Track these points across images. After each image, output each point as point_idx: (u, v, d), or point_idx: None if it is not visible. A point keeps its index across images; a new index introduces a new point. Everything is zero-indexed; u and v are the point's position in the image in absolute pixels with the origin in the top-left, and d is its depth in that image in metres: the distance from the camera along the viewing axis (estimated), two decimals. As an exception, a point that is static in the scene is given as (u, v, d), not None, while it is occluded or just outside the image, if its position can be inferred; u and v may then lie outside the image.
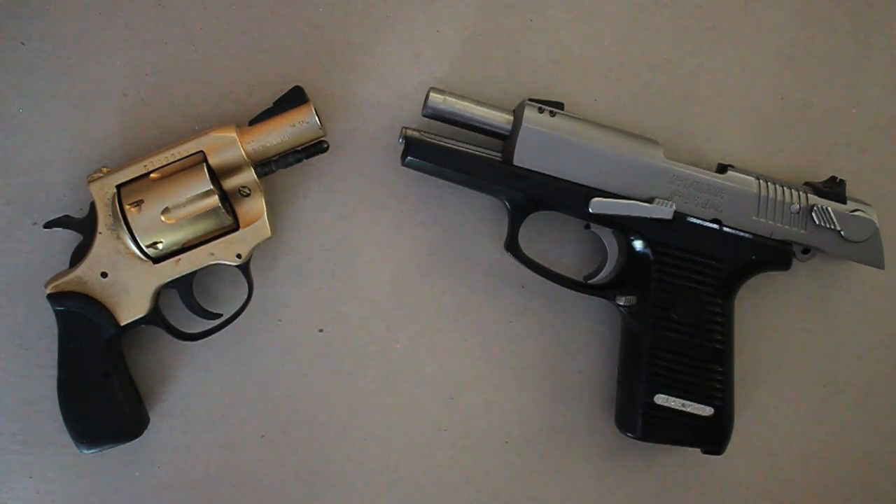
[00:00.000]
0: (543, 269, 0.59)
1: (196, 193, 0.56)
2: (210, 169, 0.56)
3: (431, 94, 0.56)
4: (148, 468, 0.64)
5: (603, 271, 0.60)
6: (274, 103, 0.58)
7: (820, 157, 0.66)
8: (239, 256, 0.58)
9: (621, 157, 0.55)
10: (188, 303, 0.60)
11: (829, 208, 0.56)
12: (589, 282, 0.59)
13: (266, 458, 0.64)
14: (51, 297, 0.57)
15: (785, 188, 0.56)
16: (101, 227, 0.57)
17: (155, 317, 0.59)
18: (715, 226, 0.56)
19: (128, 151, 0.61)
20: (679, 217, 0.56)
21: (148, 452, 0.64)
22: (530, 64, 0.64)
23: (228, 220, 0.57)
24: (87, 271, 0.57)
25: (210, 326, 0.61)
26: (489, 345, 0.65)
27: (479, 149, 0.57)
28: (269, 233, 0.59)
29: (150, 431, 0.62)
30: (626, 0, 0.65)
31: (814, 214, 0.56)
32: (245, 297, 0.61)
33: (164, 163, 0.57)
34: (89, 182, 0.57)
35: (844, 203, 0.57)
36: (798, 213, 0.56)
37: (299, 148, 0.58)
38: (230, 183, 0.57)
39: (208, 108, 0.62)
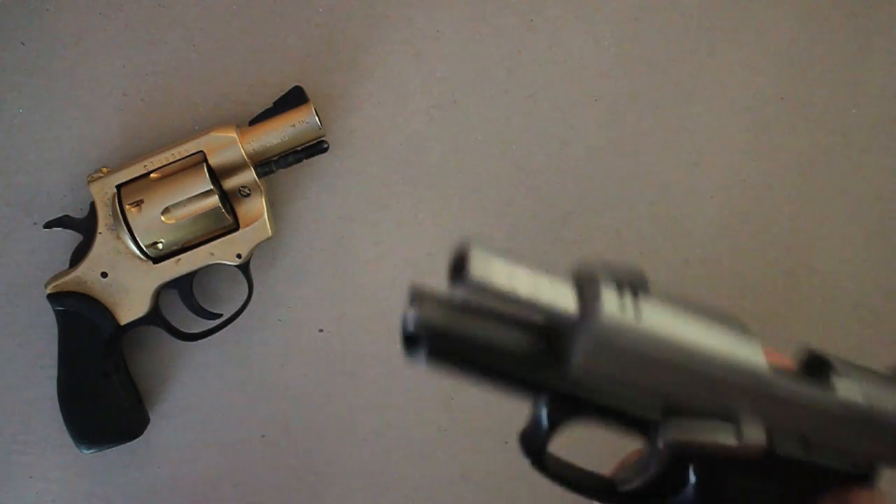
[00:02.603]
0: (576, 484, 0.41)
1: (196, 193, 0.56)
2: (210, 169, 0.56)
3: (474, 252, 0.33)
4: (148, 468, 0.64)
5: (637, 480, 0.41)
6: (274, 103, 0.58)
7: (820, 157, 0.66)
8: (239, 256, 0.58)
9: (713, 370, 0.36)
10: (188, 303, 0.60)
11: None
12: (622, 490, 0.41)
13: (266, 458, 0.64)
14: (51, 297, 0.57)
15: (887, 393, 0.39)
16: (101, 227, 0.57)
17: (155, 317, 0.59)
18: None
19: (128, 151, 0.61)
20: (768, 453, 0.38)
21: (148, 452, 0.64)
22: (530, 64, 0.64)
23: (228, 220, 0.57)
24: (87, 271, 0.57)
25: (210, 326, 0.61)
26: (489, 345, 0.65)
27: (513, 326, 0.37)
28: (269, 233, 0.59)
29: (150, 431, 0.62)
30: (626, 0, 0.65)
31: None
32: (245, 297, 0.61)
33: (165, 163, 0.57)
34: (89, 182, 0.57)
35: None
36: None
37: (299, 148, 0.58)
38: (230, 183, 0.57)
39: (208, 108, 0.62)
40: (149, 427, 0.62)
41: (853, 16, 0.66)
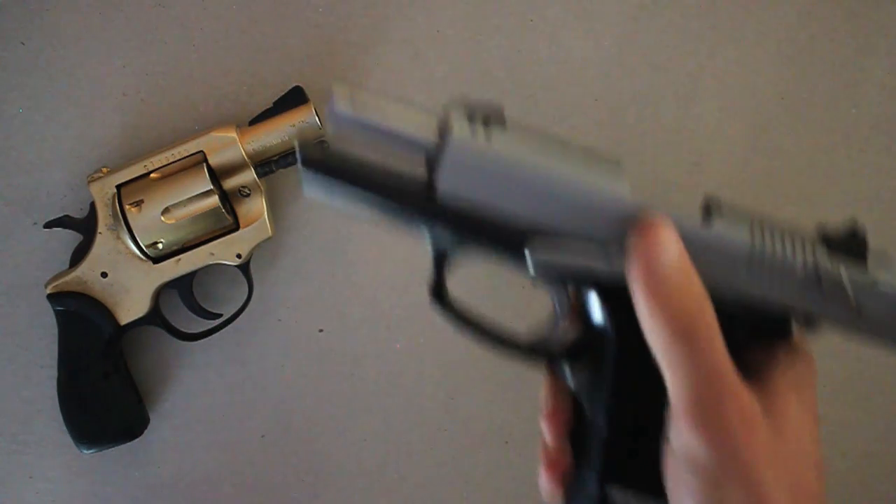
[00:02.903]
0: (477, 326, 0.44)
1: (196, 193, 0.56)
2: (210, 169, 0.56)
3: (336, 88, 0.38)
4: (148, 468, 0.64)
5: (550, 332, 0.44)
6: (274, 103, 0.58)
7: (820, 157, 0.66)
8: (239, 256, 0.58)
9: (569, 191, 0.39)
10: (188, 303, 0.60)
11: (843, 274, 0.41)
12: (530, 344, 0.43)
13: (266, 458, 0.64)
14: (51, 297, 0.57)
15: (786, 241, 0.41)
16: (101, 227, 0.57)
17: (155, 317, 0.59)
18: None
19: (128, 151, 0.61)
20: None
21: (148, 452, 0.64)
22: (530, 64, 0.64)
23: (228, 220, 0.57)
24: (87, 271, 0.57)
25: (210, 326, 0.61)
26: (489, 345, 0.65)
27: (398, 168, 0.41)
28: (269, 233, 0.59)
29: (150, 431, 0.62)
30: (626, 0, 0.65)
31: (821, 279, 0.40)
32: (245, 297, 0.61)
33: (165, 163, 0.57)
34: (89, 182, 0.57)
35: (864, 264, 0.41)
36: (803, 278, 0.40)
37: (299, 148, 0.58)
38: (230, 183, 0.57)
39: (208, 108, 0.62)
40: (149, 427, 0.62)
41: (853, 16, 0.66)
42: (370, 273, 0.64)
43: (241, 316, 0.61)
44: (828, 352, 0.67)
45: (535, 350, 0.43)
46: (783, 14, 0.66)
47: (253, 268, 0.61)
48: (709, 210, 0.40)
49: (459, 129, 0.38)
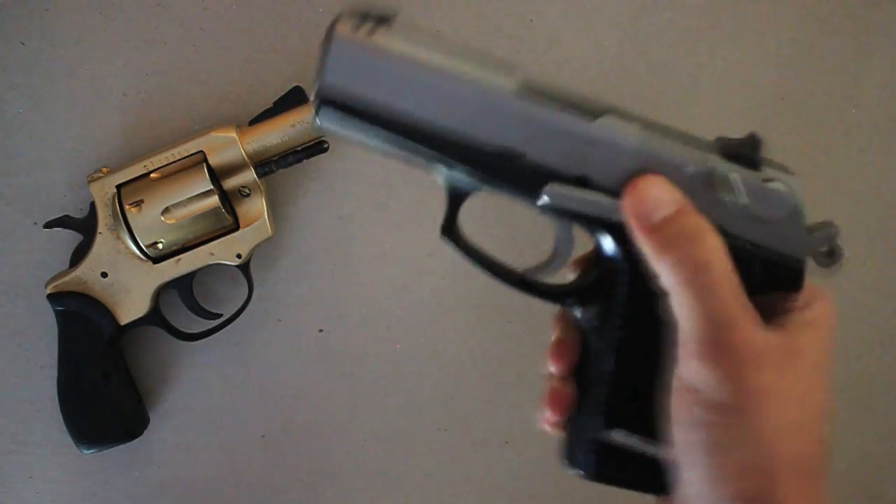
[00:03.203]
0: (483, 260, 0.45)
1: (196, 193, 0.56)
2: (210, 169, 0.56)
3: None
4: (148, 468, 0.64)
5: (550, 266, 0.45)
6: (274, 103, 0.58)
7: (820, 157, 0.66)
8: (239, 256, 0.58)
9: (461, 89, 0.40)
10: (188, 303, 0.60)
11: (734, 174, 0.41)
12: (529, 278, 0.44)
13: (266, 458, 0.64)
14: (51, 297, 0.57)
15: (677, 143, 0.41)
16: (101, 227, 0.57)
17: (155, 317, 0.59)
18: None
19: (128, 151, 0.61)
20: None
21: (148, 452, 0.64)
22: (530, 64, 0.64)
23: (228, 220, 0.57)
24: (87, 271, 0.57)
25: (210, 326, 0.61)
26: (489, 345, 0.65)
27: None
28: (269, 233, 0.59)
29: (150, 431, 0.62)
30: (626, 0, 0.65)
31: (713, 180, 0.41)
32: (245, 297, 0.61)
33: (165, 163, 0.57)
34: (89, 182, 0.57)
35: (757, 169, 0.42)
36: (693, 177, 0.40)
37: (299, 148, 0.58)
38: (230, 183, 0.57)
39: (208, 108, 0.62)
40: (149, 427, 0.62)
41: (853, 16, 0.66)
42: (370, 273, 0.64)
43: (241, 316, 0.61)
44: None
45: (538, 284, 0.44)
46: (783, 14, 0.66)
47: (253, 268, 0.61)
48: (602, 112, 0.41)
49: (343, 25, 0.39)
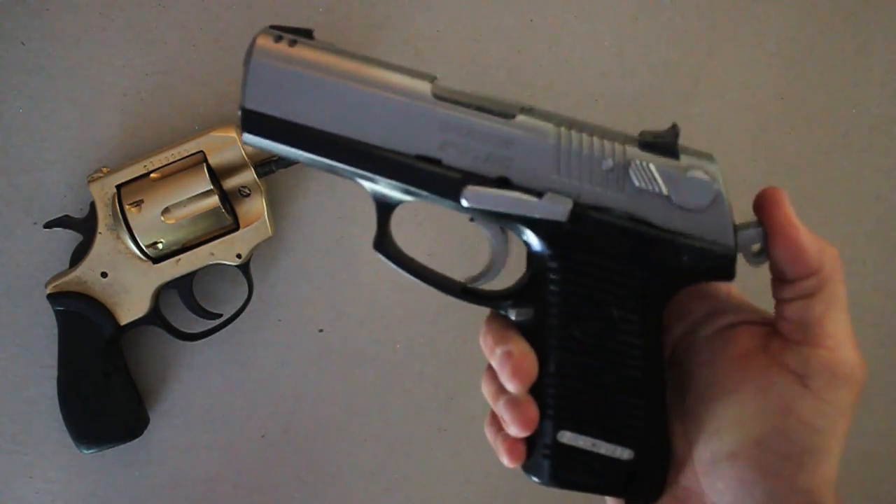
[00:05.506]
0: (419, 270, 0.45)
1: (196, 193, 0.56)
2: (210, 169, 0.56)
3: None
4: (148, 468, 0.64)
5: (489, 273, 0.45)
6: (274, 103, 0.58)
7: (820, 157, 0.66)
8: (239, 256, 0.58)
9: (375, 99, 0.41)
10: (188, 303, 0.60)
11: (652, 165, 0.41)
12: (470, 287, 0.44)
13: (266, 458, 0.64)
14: (51, 297, 0.57)
15: (595, 138, 0.41)
16: (101, 227, 0.57)
17: (155, 317, 0.59)
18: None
19: (128, 151, 0.61)
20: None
21: (148, 452, 0.64)
22: (530, 64, 0.64)
23: (228, 220, 0.57)
24: (87, 271, 0.57)
25: (210, 326, 0.61)
26: (489, 345, 0.65)
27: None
28: (269, 233, 0.59)
29: (150, 431, 0.62)
30: (626, 0, 0.65)
31: (632, 172, 0.41)
32: (245, 297, 0.61)
33: (165, 163, 0.57)
34: (89, 182, 0.57)
35: (676, 158, 0.42)
36: (612, 170, 0.41)
37: (299, 148, 0.58)
38: (230, 183, 0.57)
39: (208, 108, 0.62)
40: (149, 427, 0.62)
41: (853, 16, 0.66)
42: (370, 273, 0.64)
43: (241, 316, 0.61)
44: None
45: (474, 292, 0.44)
46: (783, 14, 0.66)
47: (253, 268, 0.61)
48: (518, 112, 0.41)
49: (264, 40, 0.42)
